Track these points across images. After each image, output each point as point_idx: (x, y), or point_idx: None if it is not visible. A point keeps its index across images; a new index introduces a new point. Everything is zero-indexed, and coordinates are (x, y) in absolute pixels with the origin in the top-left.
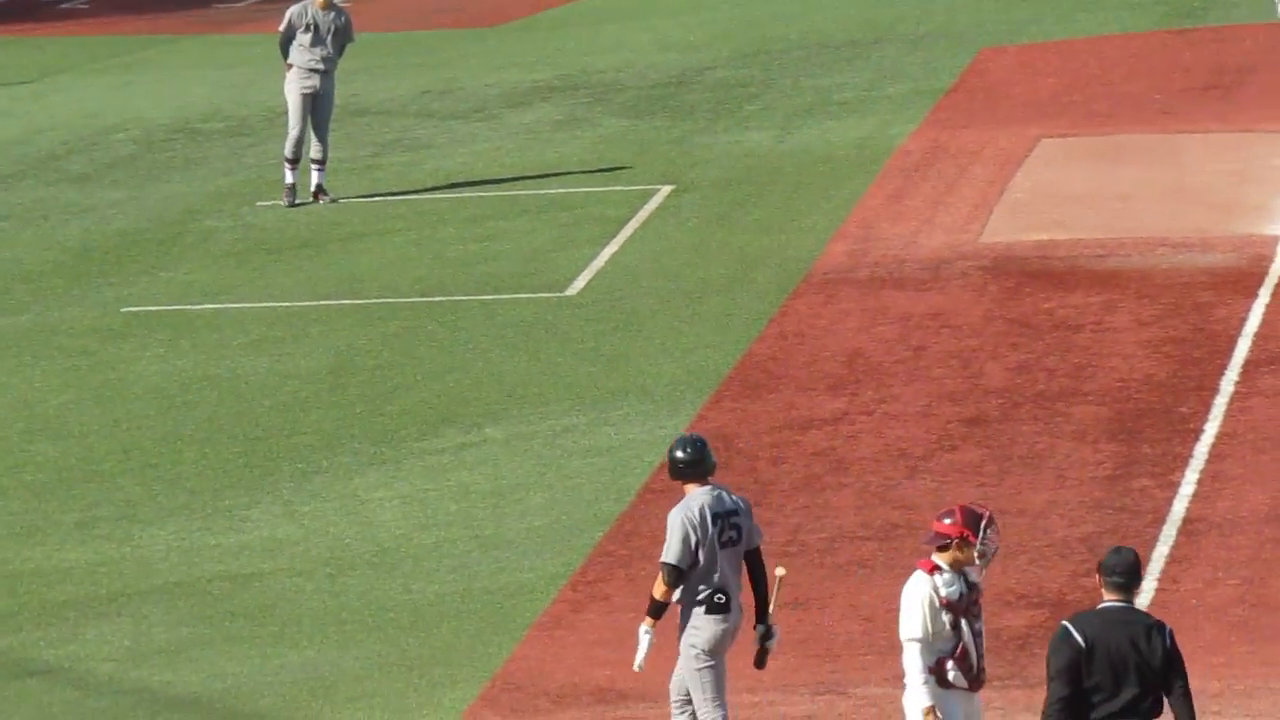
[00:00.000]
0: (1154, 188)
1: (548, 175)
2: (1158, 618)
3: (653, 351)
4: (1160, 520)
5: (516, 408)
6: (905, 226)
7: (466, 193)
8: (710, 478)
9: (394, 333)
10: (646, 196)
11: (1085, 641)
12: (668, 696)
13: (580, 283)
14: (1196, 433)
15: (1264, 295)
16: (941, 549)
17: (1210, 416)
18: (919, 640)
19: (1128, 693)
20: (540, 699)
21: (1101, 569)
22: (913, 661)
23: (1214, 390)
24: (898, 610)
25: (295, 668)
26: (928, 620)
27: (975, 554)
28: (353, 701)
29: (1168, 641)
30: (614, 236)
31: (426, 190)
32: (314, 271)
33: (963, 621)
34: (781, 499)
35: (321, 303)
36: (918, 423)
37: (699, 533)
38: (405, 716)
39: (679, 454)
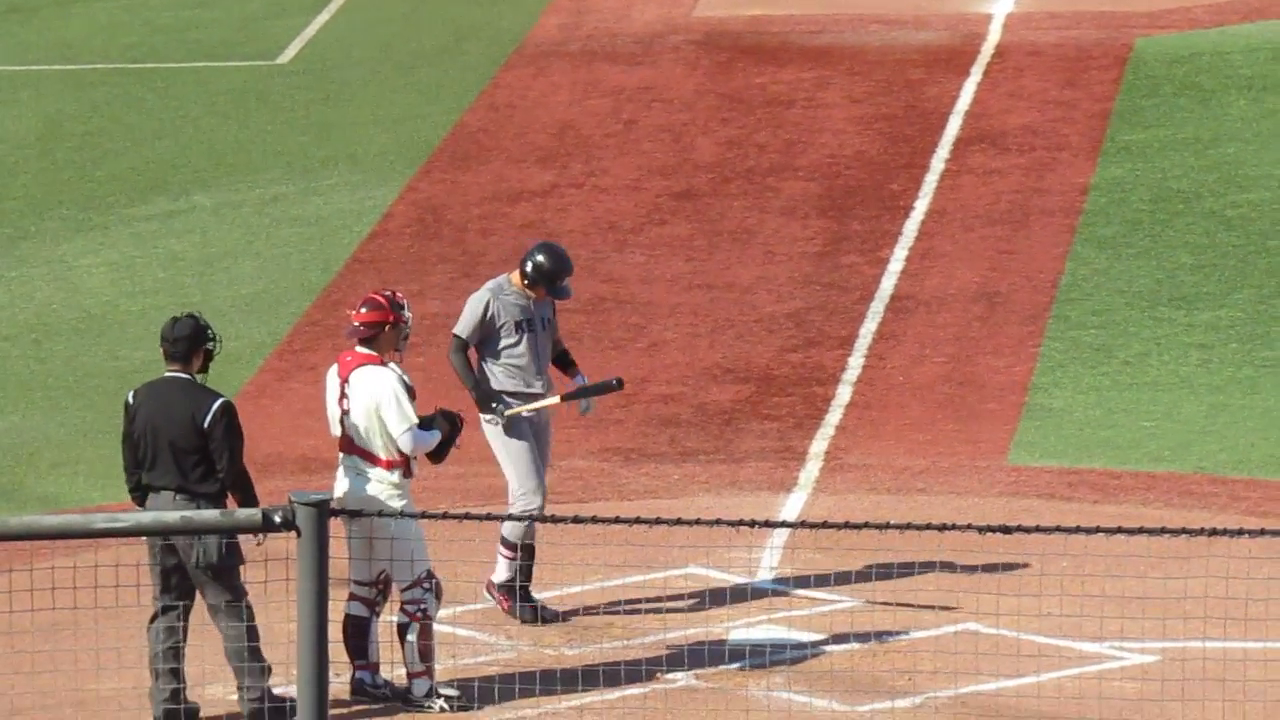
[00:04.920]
0: None
1: None
2: (217, 392)
3: (363, 121)
4: (869, 297)
5: (226, 176)
6: (618, 0)
7: None
8: None
9: (104, 99)
10: None
11: (131, 408)
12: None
13: (292, 51)
14: (906, 210)
15: (975, 73)
16: (369, 340)
17: (920, 194)
18: (415, 423)
19: (162, 463)
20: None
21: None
22: (415, 437)
23: (924, 168)
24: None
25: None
26: (412, 406)
27: (403, 336)
28: (56, 468)
29: (209, 417)
30: (326, 5)
31: None
32: (24, 36)
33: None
34: (489, 270)
35: (31, 67)
36: (627, 196)
37: None
38: (110, 483)
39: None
